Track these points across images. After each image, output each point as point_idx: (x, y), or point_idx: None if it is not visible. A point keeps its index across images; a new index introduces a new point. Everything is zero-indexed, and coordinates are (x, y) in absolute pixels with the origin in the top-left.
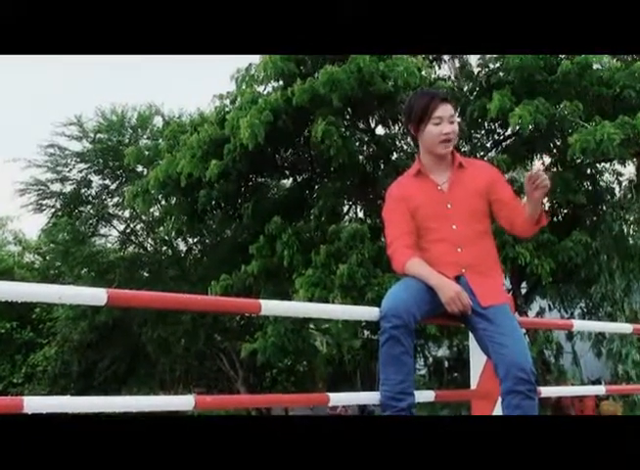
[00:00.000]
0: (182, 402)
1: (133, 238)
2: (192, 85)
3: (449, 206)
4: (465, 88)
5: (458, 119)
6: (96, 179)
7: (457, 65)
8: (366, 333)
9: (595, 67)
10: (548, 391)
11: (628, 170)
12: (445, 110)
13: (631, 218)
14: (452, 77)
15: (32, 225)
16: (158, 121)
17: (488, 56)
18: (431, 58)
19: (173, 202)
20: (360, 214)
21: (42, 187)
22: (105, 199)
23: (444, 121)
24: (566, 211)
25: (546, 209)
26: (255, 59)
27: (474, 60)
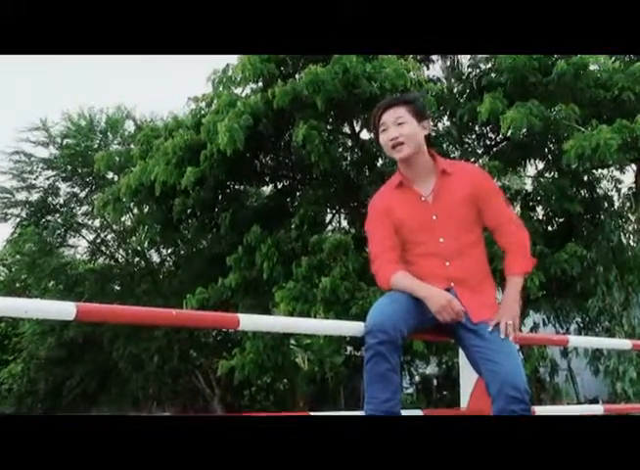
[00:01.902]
0: None
1: (103, 249)
2: (164, 87)
3: (435, 217)
4: (455, 90)
5: (447, 123)
6: (64, 187)
7: (447, 65)
8: (349, 349)
9: (592, 68)
10: (543, 410)
11: (627, 177)
12: (390, 114)
13: (630, 228)
14: (442, 79)
15: None
16: (129, 126)
17: (479, 56)
18: (418, 58)
19: (146, 210)
20: (344, 224)
21: (7, 195)
22: (73, 207)
23: (390, 126)
24: (561, 220)
25: (540, 217)
26: (233, 60)
27: (464, 60)
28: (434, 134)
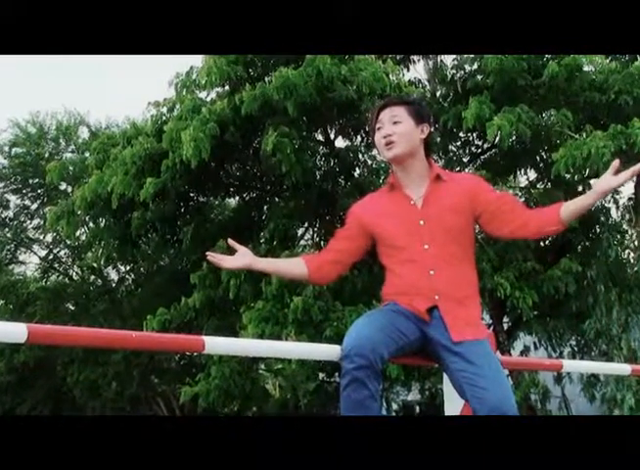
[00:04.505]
0: None
1: (57, 266)
2: (120, 90)
3: (422, 223)
4: (438, 93)
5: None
6: (13, 199)
7: (429, 66)
8: (321, 375)
9: (586, 69)
10: None
11: (626, 188)
12: (387, 112)
13: (630, 244)
14: (423, 81)
15: None
16: (83, 132)
17: (464, 56)
18: (398, 58)
19: (103, 224)
20: (317, 238)
21: None
22: (24, 221)
23: (385, 124)
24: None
25: None
26: (197, 61)
27: (448, 61)
28: None
